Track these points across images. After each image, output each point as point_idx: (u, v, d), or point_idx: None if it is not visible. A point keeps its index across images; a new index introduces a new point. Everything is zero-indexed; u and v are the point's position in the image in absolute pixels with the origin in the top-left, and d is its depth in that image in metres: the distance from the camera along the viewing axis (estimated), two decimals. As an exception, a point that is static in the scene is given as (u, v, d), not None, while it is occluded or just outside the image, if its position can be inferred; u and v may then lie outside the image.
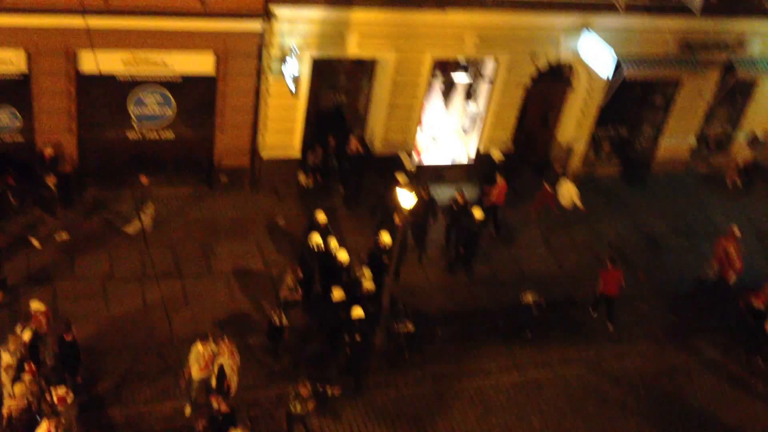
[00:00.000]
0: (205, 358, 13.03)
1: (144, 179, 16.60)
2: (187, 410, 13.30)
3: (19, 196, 16.47)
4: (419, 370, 15.13)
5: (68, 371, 12.86)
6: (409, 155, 19.62)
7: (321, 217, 16.08)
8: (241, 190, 18.38)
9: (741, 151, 22.52)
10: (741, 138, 22.81)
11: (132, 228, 16.66)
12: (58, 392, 11.81)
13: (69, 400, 11.82)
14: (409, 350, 15.21)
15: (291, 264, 15.49)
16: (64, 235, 16.37)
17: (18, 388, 11.71)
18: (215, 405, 12.24)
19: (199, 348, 13.04)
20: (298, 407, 12.79)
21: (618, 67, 19.13)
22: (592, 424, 14.69)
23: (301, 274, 15.08)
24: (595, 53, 19.14)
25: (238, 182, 18.37)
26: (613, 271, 16.58)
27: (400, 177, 17.54)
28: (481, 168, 20.24)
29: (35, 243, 16.02)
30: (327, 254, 15.51)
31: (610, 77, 19.33)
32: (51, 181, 16.21)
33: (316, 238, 15.58)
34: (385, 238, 15.91)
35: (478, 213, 17.33)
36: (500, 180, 18.53)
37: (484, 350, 15.79)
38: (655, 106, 21.86)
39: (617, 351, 16.39)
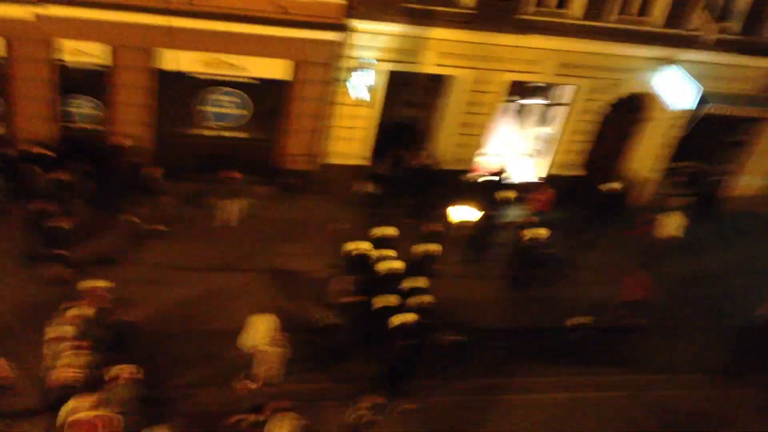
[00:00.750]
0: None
1: (237, 174, 17.25)
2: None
3: (95, 182, 17.10)
4: (462, 381, 15.18)
5: (121, 351, 13.30)
6: (472, 172, 19.70)
7: (387, 231, 16.23)
8: (307, 193, 18.85)
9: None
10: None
11: (220, 218, 17.36)
12: (116, 370, 12.09)
13: (124, 378, 12.15)
14: (454, 361, 15.30)
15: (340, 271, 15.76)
16: (162, 228, 17.01)
17: (72, 359, 12.25)
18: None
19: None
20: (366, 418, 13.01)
21: (700, 101, 18.83)
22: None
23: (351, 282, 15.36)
24: (678, 86, 18.88)
25: (306, 186, 18.84)
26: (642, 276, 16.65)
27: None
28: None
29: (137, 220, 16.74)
30: (379, 263, 15.67)
31: (692, 111, 19.01)
32: (158, 171, 16.89)
33: (358, 243, 15.73)
34: (432, 247, 16.05)
35: (542, 232, 17.27)
36: (549, 188, 18.58)
37: (530, 368, 15.72)
38: (735, 144, 21.36)
39: (665, 382, 16.05)
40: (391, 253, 15.87)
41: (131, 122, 17.35)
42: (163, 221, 17.09)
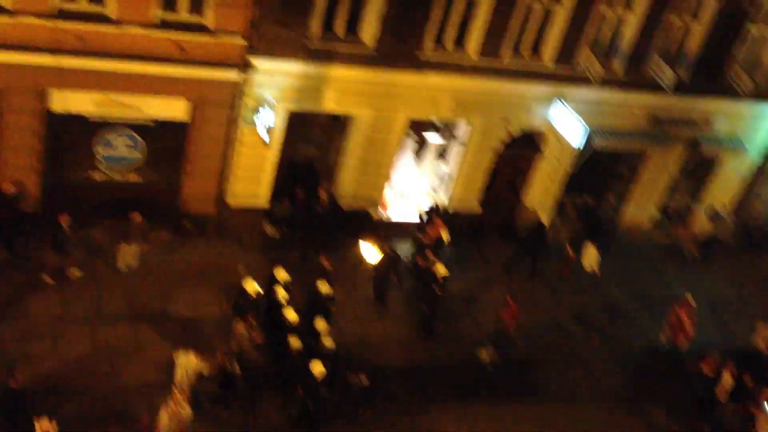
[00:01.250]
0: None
1: (137, 217, 16.63)
2: None
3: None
4: (372, 424, 15.05)
5: (9, 422, 12.44)
6: (377, 211, 19.79)
7: (281, 274, 15.99)
8: (205, 237, 18.36)
9: (700, 223, 23.01)
10: (701, 211, 23.34)
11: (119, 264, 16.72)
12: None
13: None
14: (362, 404, 15.13)
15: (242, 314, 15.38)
16: (76, 272, 16.34)
17: None
18: None
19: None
20: None
21: (588, 137, 19.62)
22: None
23: (254, 323, 15.00)
24: (567, 123, 19.63)
25: (203, 229, 18.37)
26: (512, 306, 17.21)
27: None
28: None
29: (48, 280, 16.05)
30: (279, 308, 15.43)
31: (581, 147, 19.79)
32: (64, 220, 16.04)
33: (252, 285, 15.49)
34: (323, 287, 15.93)
35: (441, 270, 17.44)
36: (438, 220, 18.85)
37: (438, 407, 15.76)
38: (622, 177, 22.39)
39: (569, 412, 16.46)
40: (284, 297, 15.59)
41: (18, 167, 16.47)
42: (69, 268, 16.34)
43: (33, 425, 11.83)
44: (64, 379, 14.10)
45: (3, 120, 16.01)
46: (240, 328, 14.82)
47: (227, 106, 17.30)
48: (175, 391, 12.94)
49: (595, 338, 18.75)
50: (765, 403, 16.19)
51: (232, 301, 15.74)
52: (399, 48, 17.92)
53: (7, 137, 16.17)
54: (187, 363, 13.74)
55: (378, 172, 19.61)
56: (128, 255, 16.86)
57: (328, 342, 14.83)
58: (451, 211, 20.45)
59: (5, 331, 14.69)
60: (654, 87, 20.02)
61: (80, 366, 14.52)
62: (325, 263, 16.73)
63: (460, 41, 18.54)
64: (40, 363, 14.24)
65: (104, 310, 15.84)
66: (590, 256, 20.21)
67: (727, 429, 16.73)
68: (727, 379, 16.62)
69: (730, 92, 21.02)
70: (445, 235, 19.00)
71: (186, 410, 12.86)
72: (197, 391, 13.70)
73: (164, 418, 12.80)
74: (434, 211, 19.79)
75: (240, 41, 16.57)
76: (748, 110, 21.75)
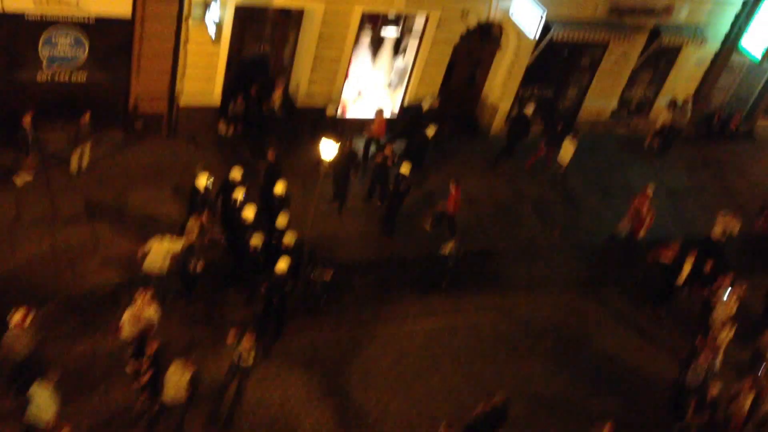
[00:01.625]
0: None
1: (85, 118, 16.13)
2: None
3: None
4: (335, 317, 15.20)
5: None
6: (334, 108, 19.49)
7: (236, 173, 15.73)
8: (157, 137, 17.96)
9: (660, 114, 23.01)
10: (661, 102, 23.30)
11: (20, 179, 16.16)
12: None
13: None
14: (325, 298, 15.24)
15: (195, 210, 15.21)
16: (27, 177, 15.96)
17: None
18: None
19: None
20: (248, 359, 12.63)
21: (546, 27, 19.30)
22: (502, 367, 15.07)
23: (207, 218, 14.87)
24: (525, 13, 19.23)
25: (155, 129, 17.95)
26: (455, 191, 17.31)
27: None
28: (407, 118, 20.25)
29: (20, 180, 15.80)
30: (236, 209, 15.28)
31: (538, 38, 19.48)
32: (26, 121, 15.54)
33: (203, 180, 15.30)
34: (279, 188, 15.77)
35: (405, 168, 17.32)
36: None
37: (400, 298, 15.96)
38: (581, 68, 22.13)
39: (530, 300, 16.79)
40: (240, 196, 15.43)
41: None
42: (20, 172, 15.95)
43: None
44: (26, 282, 13.93)
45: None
46: (192, 224, 14.67)
47: (173, 2, 16.68)
48: (141, 291, 12.83)
49: (558, 230, 18.94)
50: (722, 290, 16.48)
51: (186, 198, 15.54)
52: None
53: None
54: (164, 248, 13.61)
55: (333, 68, 19.14)
56: (79, 157, 16.50)
57: (288, 238, 14.77)
58: (407, 105, 20.28)
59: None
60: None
61: (41, 267, 14.37)
62: (270, 156, 16.49)
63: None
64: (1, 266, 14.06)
65: (61, 211, 15.57)
66: (567, 152, 20.10)
67: (683, 313, 17.16)
68: (686, 267, 16.91)
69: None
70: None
71: (152, 309, 12.78)
72: (160, 287, 13.63)
73: (128, 317, 12.72)
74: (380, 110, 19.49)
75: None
76: (710, -2, 21.50)
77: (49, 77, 16.90)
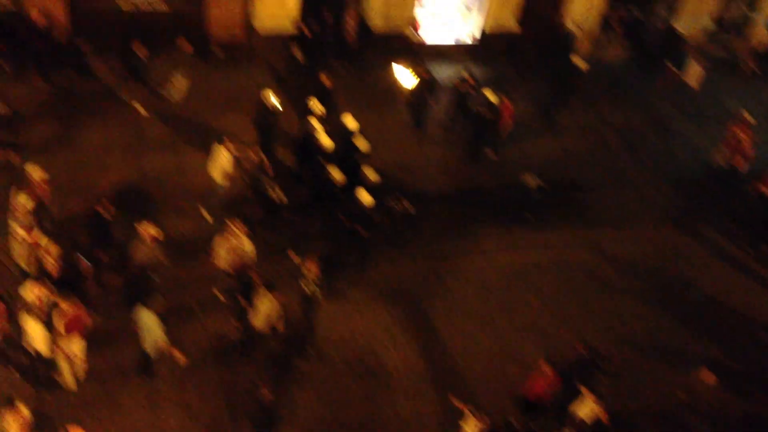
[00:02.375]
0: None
1: (187, 46, 16.14)
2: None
3: (10, 62, 16.02)
4: (416, 249, 14.81)
5: (99, 246, 12.39)
6: (410, 33, 18.72)
7: (315, 104, 15.30)
8: (236, 64, 17.65)
9: (758, 34, 21.48)
10: (759, 21, 21.74)
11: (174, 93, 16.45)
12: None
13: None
14: (406, 229, 14.86)
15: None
16: (139, 107, 16.21)
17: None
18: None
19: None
20: (310, 287, 12.45)
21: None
22: (591, 306, 14.39)
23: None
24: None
25: (234, 56, 17.60)
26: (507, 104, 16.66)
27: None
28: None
29: (141, 110, 16.09)
30: (312, 137, 14.87)
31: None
32: (139, 49, 15.78)
33: (269, 96, 15.09)
34: (349, 121, 15.25)
35: (490, 96, 16.57)
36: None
37: (484, 231, 15.41)
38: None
39: (620, 235, 15.97)
40: (318, 126, 14.99)
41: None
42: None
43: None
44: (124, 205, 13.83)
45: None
46: (250, 153, 14.33)
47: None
48: (232, 224, 12.62)
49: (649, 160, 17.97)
50: None
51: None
52: None
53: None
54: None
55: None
56: (180, 84, 16.41)
57: (371, 174, 14.35)
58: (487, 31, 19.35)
59: (57, 161, 14.59)
60: None
61: (130, 190, 14.46)
62: (326, 81, 16.02)
63: None
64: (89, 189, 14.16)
65: (147, 138, 15.61)
66: (695, 72, 19.13)
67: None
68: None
69: None
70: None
71: (246, 240, 12.58)
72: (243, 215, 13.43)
73: (223, 247, 12.55)
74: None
75: None
76: None
77: (131, 5, 16.73)
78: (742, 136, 17.30)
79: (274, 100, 15.01)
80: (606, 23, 20.59)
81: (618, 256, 15.48)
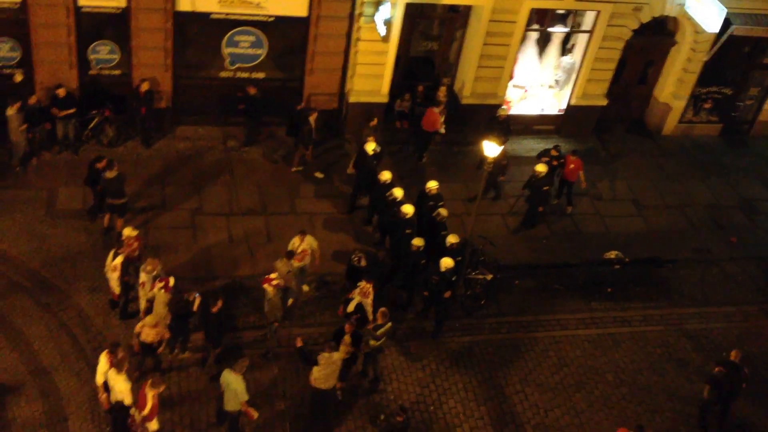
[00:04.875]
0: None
1: (374, 121, 17.18)
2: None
3: (115, 127, 17.08)
4: (494, 319, 15.13)
5: (211, 341, 13.05)
6: (501, 107, 19.30)
7: (385, 175, 15.79)
8: (328, 133, 18.49)
9: None
10: None
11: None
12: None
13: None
14: (486, 299, 15.24)
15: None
16: (319, 175, 17.40)
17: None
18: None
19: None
20: (372, 342, 12.98)
21: (726, 22, 18.24)
22: (670, 385, 14.38)
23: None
24: (703, 7, 18.26)
25: (327, 125, 18.50)
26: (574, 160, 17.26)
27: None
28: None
29: (319, 175, 17.40)
30: (393, 205, 15.39)
31: (717, 32, 18.45)
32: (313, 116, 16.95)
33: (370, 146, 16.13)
34: (431, 184, 15.74)
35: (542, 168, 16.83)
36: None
37: (563, 303, 15.66)
38: (763, 66, 20.77)
39: (702, 313, 15.96)
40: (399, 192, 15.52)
41: (151, 66, 16.94)
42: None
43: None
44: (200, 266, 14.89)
45: (135, 19, 16.40)
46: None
47: (347, 1, 17.12)
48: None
49: (732, 238, 17.92)
50: None
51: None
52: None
53: (140, 37, 16.61)
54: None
55: (499, 66, 19.00)
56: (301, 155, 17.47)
57: (452, 237, 14.77)
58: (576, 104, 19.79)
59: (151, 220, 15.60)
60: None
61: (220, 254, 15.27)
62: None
63: None
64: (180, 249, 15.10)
65: (236, 205, 16.46)
66: None
67: None
68: None
69: None
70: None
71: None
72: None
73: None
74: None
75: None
76: None
77: (231, 74, 17.85)
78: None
79: (374, 147, 15.95)
80: (696, 99, 20.70)
81: (698, 334, 15.46)
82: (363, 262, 14.36)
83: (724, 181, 19.58)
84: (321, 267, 14.77)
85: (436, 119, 18.09)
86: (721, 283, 16.81)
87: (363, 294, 13.39)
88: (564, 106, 20.16)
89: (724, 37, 18.77)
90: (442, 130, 18.42)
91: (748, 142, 20.86)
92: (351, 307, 13.37)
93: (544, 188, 16.77)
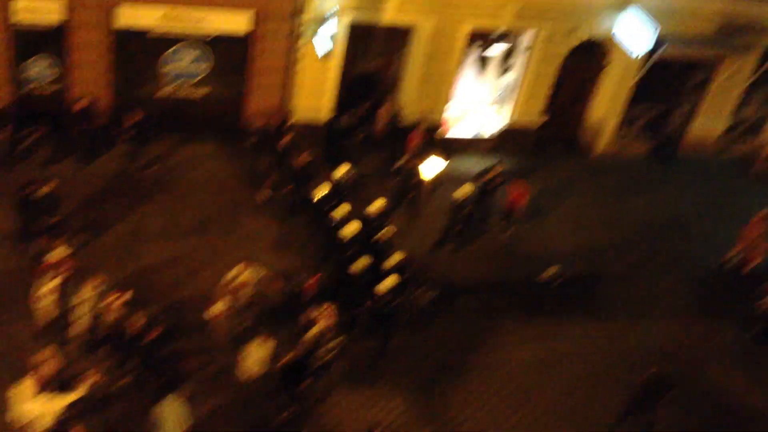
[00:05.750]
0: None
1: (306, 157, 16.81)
2: None
3: (50, 145, 16.73)
4: (437, 340, 15.26)
5: (147, 369, 12.73)
6: (438, 125, 19.58)
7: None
8: (270, 150, 18.42)
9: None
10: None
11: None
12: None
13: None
14: (428, 317, 15.37)
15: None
16: (266, 194, 17.01)
17: None
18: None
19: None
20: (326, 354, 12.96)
21: (656, 44, 18.92)
22: (608, 399, 14.62)
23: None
24: (635, 30, 18.93)
25: (267, 144, 18.39)
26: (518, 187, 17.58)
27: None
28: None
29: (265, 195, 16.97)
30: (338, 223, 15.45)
31: (648, 54, 19.15)
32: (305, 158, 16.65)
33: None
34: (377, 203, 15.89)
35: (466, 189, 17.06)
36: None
37: (503, 323, 15.86)
38: (690, 87, 21.61)
39: (636, 328, 16.42)
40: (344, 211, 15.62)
41: (90, 82, 16.63)
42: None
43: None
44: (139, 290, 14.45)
45: (73, 35, 16.09)
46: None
47: (288, 19, 17.10)
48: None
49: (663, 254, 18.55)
50: None
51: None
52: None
53: (77, 53, 16.29)
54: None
55: (440, 85, 19.32)
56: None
57: (396, 260, 14.83)
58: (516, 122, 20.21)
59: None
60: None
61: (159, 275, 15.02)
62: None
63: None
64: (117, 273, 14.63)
65: (175, 225, 16.26)
66: None
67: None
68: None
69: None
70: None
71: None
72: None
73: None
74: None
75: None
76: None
77: (171, 92, 17.62)
78: (756, 234, 17.83)
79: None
80: (629, 118, 21.41)
81: (633, 349, 15.89)
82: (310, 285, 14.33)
83: (656, 198, 20.23)
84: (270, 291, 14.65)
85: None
86: (657, 297, 17.35)
87: (325, 317, 13.26)
88: (503, 125, 20.61)
89: (654, 57, 19.49)
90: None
91: (678, 159, 21.62)
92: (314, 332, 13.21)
93: (466, 208, 16.99)
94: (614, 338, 16.05)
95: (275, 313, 14.43)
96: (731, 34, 19.97)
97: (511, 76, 20.23)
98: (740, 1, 19.34)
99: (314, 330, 13.13)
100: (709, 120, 21.91)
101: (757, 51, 20.60)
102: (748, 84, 21.43)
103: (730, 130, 22.41)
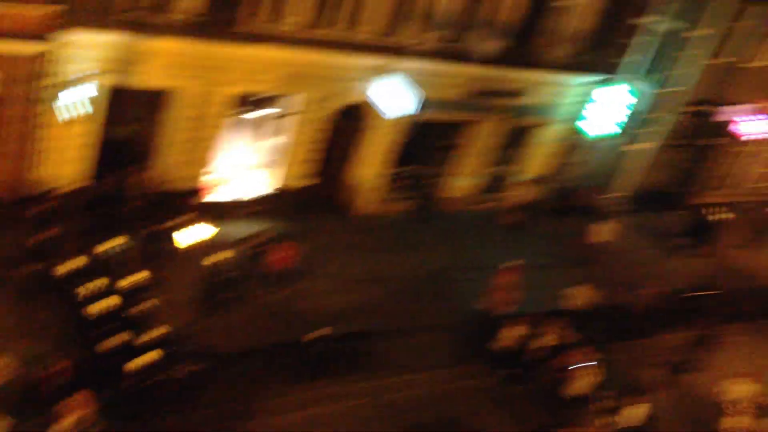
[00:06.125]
0: None
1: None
2: None
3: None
4: (204, 412, 14.71)
5: None
6: (200, 190, 19.18)
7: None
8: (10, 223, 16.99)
9: (519, 190, 24.09)
10: (519, 178, 24.42)
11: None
12: None
13: None
14: (192, 391, 14.77)
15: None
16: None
17: None
18: None
19: None
20: None
21: (416, 107, 19.96)
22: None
23: None
24: (395, 94, 19.87)
25: (9, 214, 17.00)
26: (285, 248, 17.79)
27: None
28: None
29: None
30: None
31: (408, 117, 20.14)
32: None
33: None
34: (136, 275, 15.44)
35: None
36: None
37: (272, 387, 15.66)
38: (448, 147, 22.99)
39: (401, 381, 16.86)
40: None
41: None
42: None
43: None
44: None
45: None
46: None
47: (30, 82, 16.10)
48: None
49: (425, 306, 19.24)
50: (577, 364, 16.97)
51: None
52: (218, 18, 17.29)
53: None
54: None
55: (201, 149, 18.99)
56: None
57: (156, 330, 14.25)
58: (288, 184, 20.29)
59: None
60: (474, 58, 20.68)
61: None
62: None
63: (280, 11, 18.12)
64: None
65: None
66: (610, 229, 22.53)
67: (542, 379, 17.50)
68: (547, 338, 17.52)
69: (540, 63, 22.01)
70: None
71: None
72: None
73: None
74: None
75: (41, 11, 15.36)
76: (556, 80, 22.78)
77: None
78: (505, 282, 18.81)
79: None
80: (392, 179, 22.28)
81: (398, 401, 16.37)
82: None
83: (418, 254, 21.07)
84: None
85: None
86: (421, 348, 17.92)
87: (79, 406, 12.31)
88: (273, 187, 20.60)
89: (413, 120, 20.55)
90: None
91: (437, 215, 22.75)
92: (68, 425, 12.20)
93: (224, 274, 16.80)
94: (379, 394, 16.34)
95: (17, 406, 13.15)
96: (482, 98, 21.54)
97: (280, 139, 20.35)
98: (492, 68, 20.99)
99: (67, 422, 12.13)
100: (466, 177, 23.36)
101: (504, 113, 22.33)
102: (498, 143, 23.15)
103: (482, 185, 24.02)
